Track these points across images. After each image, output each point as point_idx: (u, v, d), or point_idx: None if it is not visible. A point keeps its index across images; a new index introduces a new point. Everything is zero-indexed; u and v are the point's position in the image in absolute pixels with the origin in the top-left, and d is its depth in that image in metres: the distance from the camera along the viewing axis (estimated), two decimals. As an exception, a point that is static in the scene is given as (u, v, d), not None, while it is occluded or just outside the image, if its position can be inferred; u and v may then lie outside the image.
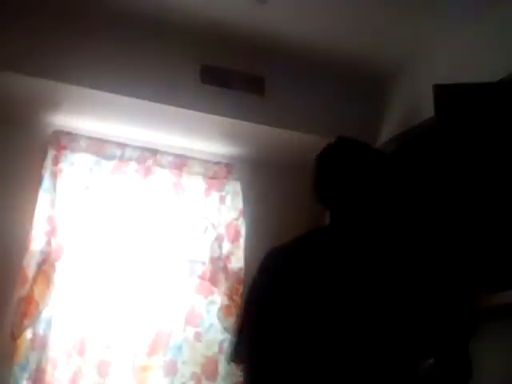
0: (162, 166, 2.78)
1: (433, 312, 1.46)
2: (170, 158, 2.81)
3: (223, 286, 2.71)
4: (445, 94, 2.14)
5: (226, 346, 2.63)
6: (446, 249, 2.04)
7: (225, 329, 2.63)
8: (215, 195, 2.85)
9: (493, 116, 2.10)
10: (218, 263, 2.75)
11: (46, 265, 2.44)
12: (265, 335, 1.50)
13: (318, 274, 1.48)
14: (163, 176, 2.77)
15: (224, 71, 2.61)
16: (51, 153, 2.59)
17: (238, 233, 2.82)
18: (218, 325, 2.66)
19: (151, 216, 2.73)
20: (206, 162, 2.88)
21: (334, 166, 1.63)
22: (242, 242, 2.82)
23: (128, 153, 2.73)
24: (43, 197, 2.52)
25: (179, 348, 2.60)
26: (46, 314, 2.41)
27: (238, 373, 2.60)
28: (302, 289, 1.48)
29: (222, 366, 2.62)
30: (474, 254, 2.03)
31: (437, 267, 1.62)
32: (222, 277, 2.72)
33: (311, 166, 1.67)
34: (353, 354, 1.40)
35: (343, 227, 1.59)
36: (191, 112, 2.55)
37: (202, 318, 2.67)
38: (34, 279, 2.40)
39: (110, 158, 2.69)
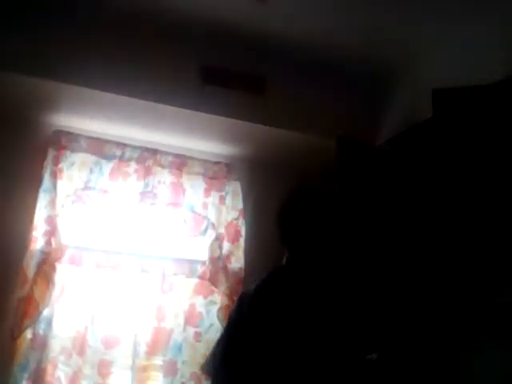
0: (162, 166, 2.78)
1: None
2: (170, 158, 2.81)
3: (223, 286, 2.71)
4: (443, 98, 2.17)
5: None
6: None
7: (225, 329, 2.63)
8: (215, 195, 2.85)
9: (491, 119, 2.12)
10: (218, 263, 2.75)
11: (46, 265, 2.43)
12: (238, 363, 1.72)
13: (279, 313, 1.71)
14: (163, 176, 2.77)
15: (224, 71, 2.61)
16: (51, 153, 2.59)
17: (238, 233, 2.82)
18: (217, 325, 2.66)
19: (151, 216, 2.74)
20: (205, 161, 2.89)
21: (296, 216, 1.86)
22: (242, 241, 2.82)
23: (128, 153, 2.73)
24: (43, 197, 2.52)
25: (179, 348, 2.60)
26: (45, 313, 2.41)
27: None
28: (267, 326, 1.71)
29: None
30: (472, 260, 2.08)
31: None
32: (222, 277, 2.72)
33: (281, 203, 1.91)
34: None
35: (300, 268, 1.82)
36: (191, 112, 2.54)
37: (202, 318, 2.67)
38: (34, 279, 2.40)
39: (110, 157, 2.69)
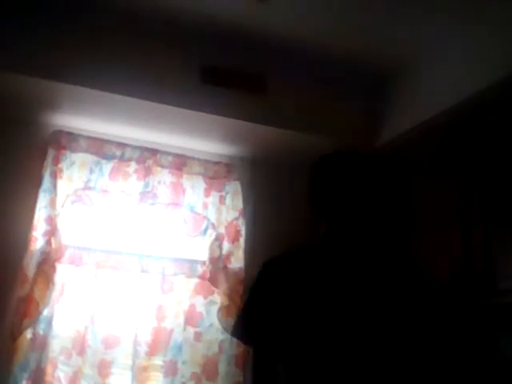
0: (162, 165, 2.78)
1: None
2: (170, 158, 2.81)
3: (223, 286, 2.71)
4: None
5: (226, 346, 2.64)
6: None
7: (225, 329, 2.63)
8: (215, 195, 2.85)
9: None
10: (218, 263, 2.74)
11: (46, 265, 2.43)
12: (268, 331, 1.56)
13: (319, 285, 1.54)
14: (163, 176, 2.77)
15: (224, 71, 2.61)
16: (51, 153, 2.59)
17: (237, 233, 2.82)
18: (217, 325, 2.66)
19: (151, 216, 2.73)
20: (206, 161, 2.88)
21: (330, 177, 1.64)
22: (242, 241, 2.82)
23: (128, 153, 2.73)
24: (43, 197, 2.52)
25: (179, 348, 2.60)
26: (45, 313, 2.41)
27: (237, 373, 2.60)
28: (305, 297, 1.53)
29: (222, 366, 2.62)
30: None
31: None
32: (222, 277, 2.72)
33: (311, 167, 1.69)
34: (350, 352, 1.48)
35: (340, 238, 1.62)
36: (191, 112, 2.54)
37: (202, 318, 2.67)
38: (34, 279, 2.39)
39: (109, 157, 2.69)
